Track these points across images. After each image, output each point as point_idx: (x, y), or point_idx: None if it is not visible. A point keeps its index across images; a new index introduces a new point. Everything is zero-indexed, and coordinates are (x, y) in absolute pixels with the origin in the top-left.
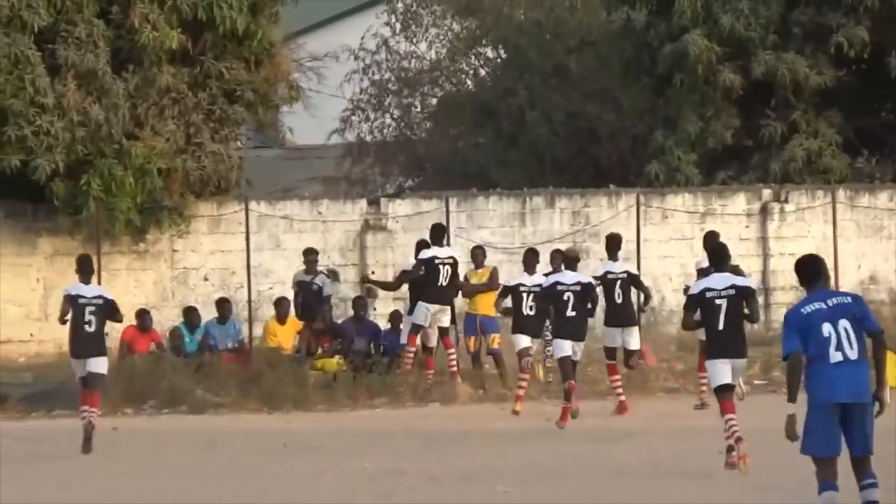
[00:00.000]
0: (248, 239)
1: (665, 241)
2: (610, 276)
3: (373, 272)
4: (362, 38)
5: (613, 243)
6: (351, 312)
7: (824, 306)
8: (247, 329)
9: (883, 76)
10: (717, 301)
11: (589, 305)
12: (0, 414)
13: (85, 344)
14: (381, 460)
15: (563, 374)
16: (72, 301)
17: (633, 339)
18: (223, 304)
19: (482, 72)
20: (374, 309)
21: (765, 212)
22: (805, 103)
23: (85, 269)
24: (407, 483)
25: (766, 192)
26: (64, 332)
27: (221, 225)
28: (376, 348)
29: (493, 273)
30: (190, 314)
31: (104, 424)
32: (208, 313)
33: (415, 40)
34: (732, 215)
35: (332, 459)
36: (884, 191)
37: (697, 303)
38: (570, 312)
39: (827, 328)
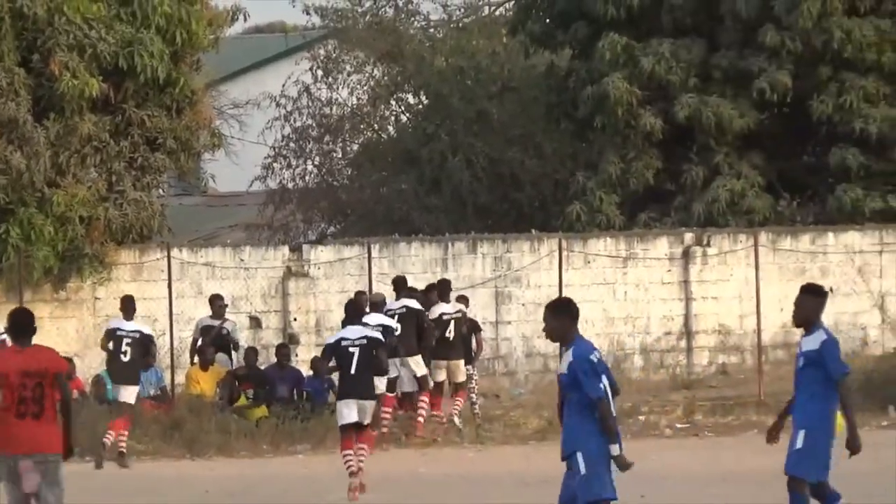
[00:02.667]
0: (170, 286)
1: (587, 285)
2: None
3: (295, 318)
4: (283, 85)
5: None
6: (274, 359)
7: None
8: (169, 376)
9: (804, 119)
10: (351, 349)
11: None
12: None
13: (120, 372)
14: None
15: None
16: (110, 333)
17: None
18: None
19: (404, 118)
20: (297, 356)
21: (687, 255)
22: (727, 146)
23: (125, 307)
24: None
25: (689, 236)
26: None
27: (143, 272)
28: (299, 394)
29: None
30: None
31: None
32: None
33: (336, 87)
34: (654, 259)
35: None
36: (805, 233)
37: (333, 350)
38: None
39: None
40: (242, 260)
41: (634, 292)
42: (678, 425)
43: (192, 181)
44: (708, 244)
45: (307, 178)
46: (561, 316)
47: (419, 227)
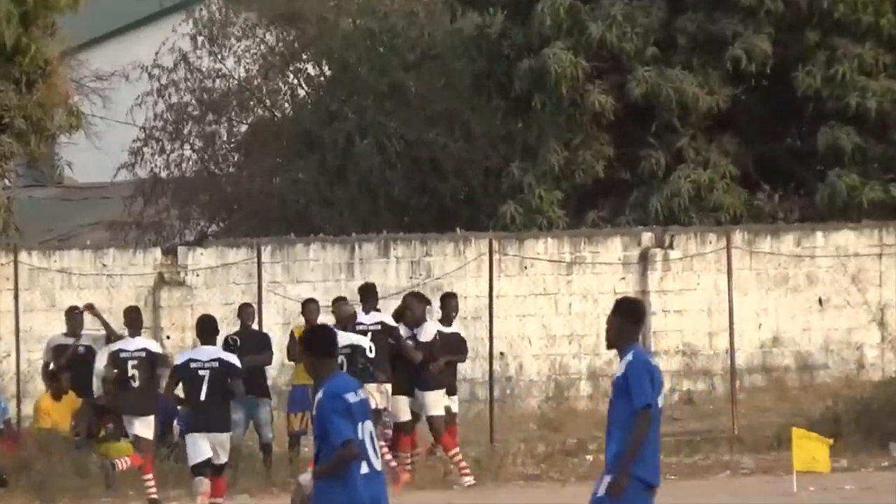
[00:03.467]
0: (17, 297)
1: (524, 296)
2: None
3: (168, 336)
4: (157, 53)
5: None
6: None
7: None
8: (15, 407)
9: (787, 94)
10: (201, 372)
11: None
12: None
13: (129, 401)
14: None
15: None
16: (113, 357)
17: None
18: None
19: (302, 93)
20: None
21: (645, 260)
22: (693, 128)
23: (130, 321)
24: None
25: (647, 237)
26: None
27: None
28: (171, 430)
29: None
30: None
31: None
32: None
33: (220, 55)
34: (606, 264)
35: None
36: (789, 233)
37: (180, 373)
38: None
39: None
40: (105, 265)
41: (581, 304)
42: None
43: (44, 169)
44: (670, 246)
45: (184, 165)
46: (308, 351)
47: (320, 226)
